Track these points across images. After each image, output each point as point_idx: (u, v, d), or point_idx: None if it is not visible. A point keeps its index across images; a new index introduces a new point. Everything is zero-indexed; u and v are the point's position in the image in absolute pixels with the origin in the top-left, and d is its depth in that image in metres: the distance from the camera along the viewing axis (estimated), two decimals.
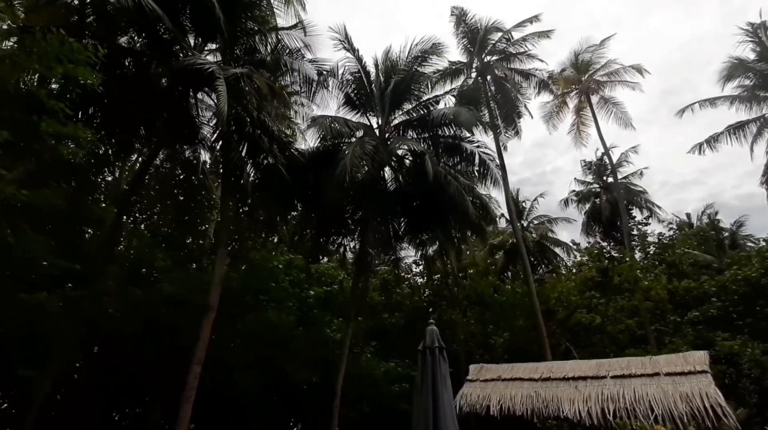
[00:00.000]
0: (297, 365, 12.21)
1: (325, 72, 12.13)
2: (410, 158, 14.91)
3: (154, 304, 10.54)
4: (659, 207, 28.18)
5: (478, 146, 12.84)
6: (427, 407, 4.26)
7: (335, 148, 13.55)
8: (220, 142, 10.71)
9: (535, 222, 29.16)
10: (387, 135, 14.82)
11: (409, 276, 24.87)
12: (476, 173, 14.18)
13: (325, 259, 21.32)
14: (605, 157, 29.92)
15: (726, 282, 18.22)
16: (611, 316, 16.20)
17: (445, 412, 4.24)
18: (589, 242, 31.17)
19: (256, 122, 10.43)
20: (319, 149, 13.72)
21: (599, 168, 29.62)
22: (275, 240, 18.73)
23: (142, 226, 14.88)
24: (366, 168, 13.95)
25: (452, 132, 13.47)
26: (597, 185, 29.87)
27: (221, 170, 10.71)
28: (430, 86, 16.90)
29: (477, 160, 12.69)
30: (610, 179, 29.85)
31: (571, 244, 29.13)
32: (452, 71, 19.91)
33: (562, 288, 16.38)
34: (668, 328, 18.33)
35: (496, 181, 12.46)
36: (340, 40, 14.35)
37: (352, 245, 18.59)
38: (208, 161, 14.71)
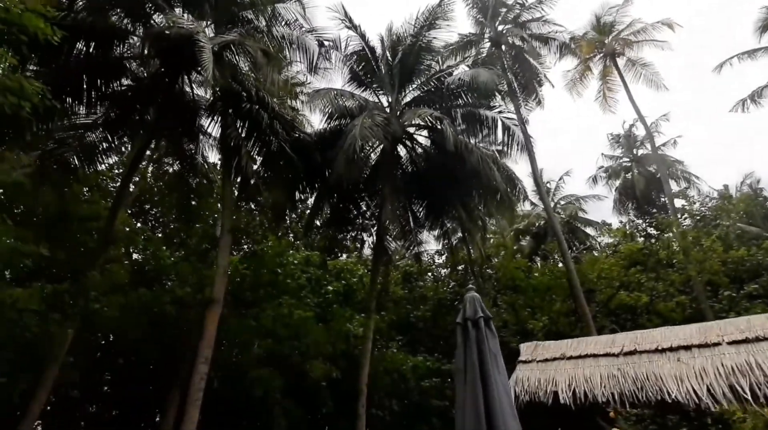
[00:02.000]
0: (317, 362, 11.24)
1: (327, 43, 11.10)
2: (425, 134, 13.75)
3: (159, 303, 9.73)
4: (697, 177, 26.18)
5: (500, 112, 11.57)
6: (475, 395, 3.14)
7: (343, 128, 12.55)
8: (217, 120, 9.81)
9: (562, 202, 27.49)
10: (398, 113, 13.73)
11: (432, 267, 23.71)
12: (496, 150, 12.94)
13: (344, 255, 20.40)
14: (634, 128, 28.09)
15: None
16: (661, 292, 14.58)
17: (501, 399, 3.11)
18: (621, 221, 29.27)
19: (254, 98, 9.50)
20: (326, 131, 12.73)
21: (629, 140, 27.73)
22: (289, 236, 17.90)
23: (150, 224, 14.22)
24: (379, 145, 12.92)
25: (470, 100, 12.23)
26: (627, 159, 27.99)
27: (220, 146, 9.84)
28: (440, 61, 15.72)
29: (500, 127, 11.45)
30: (642, 151, 27.93)
31: (602, 223, 27.34)
32: (463, 44, 18.63)
33: (603, 265, 14.89)
34: (721, 304, 16.63)
35: (523, 149, 11.12)
36: (340, 19, 13.31)
37: (370, 240, 17.69)
38: (217, 162, 13.97)
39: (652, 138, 19.75)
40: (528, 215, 26.57)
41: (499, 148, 12.88)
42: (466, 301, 3.70)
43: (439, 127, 11.81)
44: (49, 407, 12.11)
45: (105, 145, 11.58)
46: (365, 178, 14.11)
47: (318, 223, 20.25)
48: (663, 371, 3.60)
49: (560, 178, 27.36)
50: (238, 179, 10.20)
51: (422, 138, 13.99)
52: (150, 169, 15.60)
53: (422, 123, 12.84)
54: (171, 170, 14.22)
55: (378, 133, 9.87)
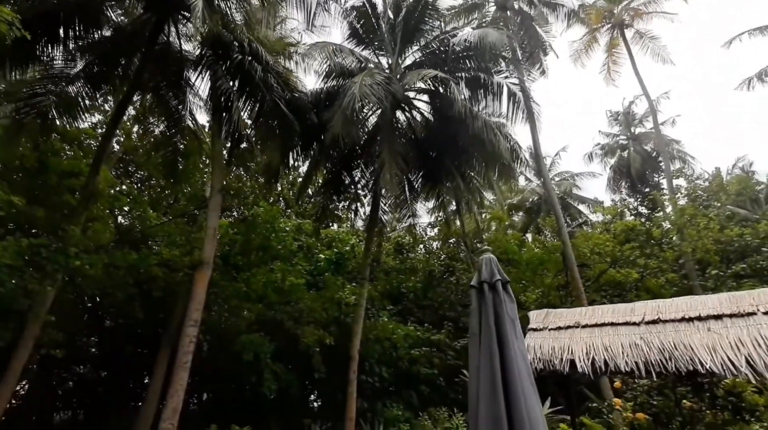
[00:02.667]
0: (309, 328, 11.12)
1: None
2: (425, 100, 13.20)
3: (146, 265, 9.37)
4: (692, 157, 26.19)
5: (506, 77, 11.04)
6: (491, 361, 2.92)
7: (340, 89, 11.94)
8: (205, 73, 9.13)
9: (557, 179, 27.39)
10: (398, 76, 13.09)
11: (424, 239, 23.66)
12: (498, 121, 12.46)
13: (335, 225, 20.14)
14: (633, 105, 27.68)
15: None
16: (654, 268, 14.66)
17: (519, 366, 2.89)
18: (612, 200, 29.39)
19: (246, 50, 8.83)
20: (322, 91, 12.09)
21: (627, 118, 27.38)
22: (281, 203, 17.49)
23: (136, 187, 13.63)
24: (377, 109, 12.40)
25: (474, 65, 11.64)
26: (624, 137, 27.73)
27: (209, 103, 9.23)
28: (444, 23, 14.92)
29: (505, 94, 10.95)
30: (639, 129, 27.66)
31: (594, 200, 27.42)
32: (468, 7, 17.77)
33: (598, 240, 14.86)
34: (707, 282, 16.91)
35: (528, 118, 10.66)
36: None
37: (362, 211, 17.48)
38: (206, 124, 13.27)
39: (654, 113, 19.33)
40: (522, 191, 26.44)
41: (502, 120, 12.44)
42: (482, 263, 3.43)
43: (441, 90, 11.29)
44: (34, 366, 11.91)
45: (87, 102, 10.87)
46: (362, 144, 13.64)
47: (310, 191, 19.88)
48: (693, 341, 3.40)
49: (556, 154, 27.15)
50: (229, 141, 9.62)
51: (422, 104, 13.46)
52: (135, 129, 14.90)
53: (424, 86, 12.28)
54: (157, 131, 13.56)
55: (379, 92, 9.33)
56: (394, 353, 13.62)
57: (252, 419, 11.53)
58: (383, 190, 12.20)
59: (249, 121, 11.19)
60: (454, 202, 16.14)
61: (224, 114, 9.02)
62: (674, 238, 15.92)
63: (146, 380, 13.64)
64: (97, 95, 11.26)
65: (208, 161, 13.46)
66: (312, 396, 14.06)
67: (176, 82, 10.31)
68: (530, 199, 26.00)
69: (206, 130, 13.12)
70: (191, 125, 11.64)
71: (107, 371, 15.01)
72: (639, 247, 14.87)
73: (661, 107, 25.96)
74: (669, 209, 16.86)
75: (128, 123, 14.92)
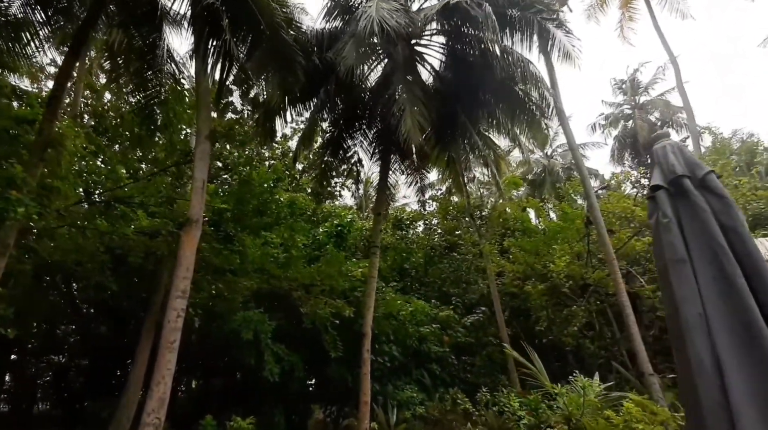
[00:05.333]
0: (322, 299, 9.83)
1: None
2: (440, 48, 11.67)
3: (119, 233, 7.83)
4: (700, 126, 25.31)
5: (537, 11, 9.57)
6: (737, 300, 1.63)
7: (345, 28, 10.34)
8: None
9: (560, 150, 26.36)
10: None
11: (425, 214, 22.60)
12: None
13: (326, 201, 19.02)
14: (638, 73, 26.59)
15: None
16: None
17: None
18: (612, 173, 28.65)
19: None
20: (324, 31, 10.49)
21: (632, 85, 26.28)
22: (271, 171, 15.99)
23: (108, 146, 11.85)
24: (383, 59, 11.00)
25: (498, 1, 10.14)
26: (628, 106, 26.69)
27: (191, 25, 7.54)
28: None
29: (536, 30, 9.50)
30: (644, 98, 26.67)
31: (596, 171, 26.56)
32: None
33: (625, 203, 13.83)
34: None
35: (568, 56, 9.26)
36: None
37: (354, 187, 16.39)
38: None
39: (677, 67, 17.90)
40: (525, 163, 25.34)
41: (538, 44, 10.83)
42: (666, 151, 2.12)
43: (463, 29, 9.80)
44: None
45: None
46: (365, 101, 12.19)
47: (300, 167, 18.37)
48: None
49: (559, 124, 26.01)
50: (217, 75, 7.98)
51: (435, 53, 11.97)
52: (108, 97, 13.10)
53: (440, 27, 10.76)
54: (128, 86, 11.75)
55: (400, 18, 7.82)
56: (410, 329, 12.51)
57: (250, 407, 10.27)
58: (406, 137, 10.72)
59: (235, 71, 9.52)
60: (471, 162, 14.82)
61: (210, 43, 7.40)
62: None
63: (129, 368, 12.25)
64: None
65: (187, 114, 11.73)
66: (315, 379, 12.86)
67: (149, 14, 8.53)
68: (534, 171, 24.95)
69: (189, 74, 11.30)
70: (168, 62, 9.80)
71: (87, 360, 13.66)
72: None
73: (667, 75, 24.98)
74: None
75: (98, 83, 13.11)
